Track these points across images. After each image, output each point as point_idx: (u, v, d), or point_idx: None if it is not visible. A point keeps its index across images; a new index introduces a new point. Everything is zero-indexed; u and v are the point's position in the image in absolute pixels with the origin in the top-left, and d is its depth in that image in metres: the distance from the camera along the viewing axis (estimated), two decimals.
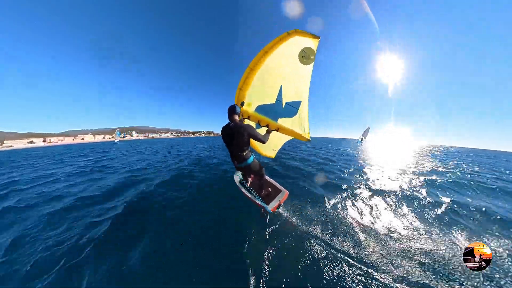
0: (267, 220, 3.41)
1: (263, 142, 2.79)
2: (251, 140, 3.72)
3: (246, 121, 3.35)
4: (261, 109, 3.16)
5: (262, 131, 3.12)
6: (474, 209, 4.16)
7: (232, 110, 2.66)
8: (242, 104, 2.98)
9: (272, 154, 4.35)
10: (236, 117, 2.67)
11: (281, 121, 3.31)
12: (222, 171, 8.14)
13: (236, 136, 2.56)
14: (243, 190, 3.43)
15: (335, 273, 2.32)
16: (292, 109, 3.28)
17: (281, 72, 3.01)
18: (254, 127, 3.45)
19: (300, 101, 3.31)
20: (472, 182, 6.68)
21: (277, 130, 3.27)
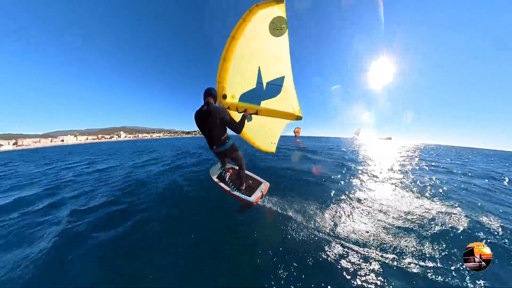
0: (248, 213, 3.32)
1: (238, 131, 2.63)
2: (249, 137, 3.60)
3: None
4: (244, 97, 3.03)
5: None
6: None
7: (207, 93, 2.60)
8: (225, 96, 2.92)
9: (272, 148, 3.93)
10: (211, 100, 2.60)
11: (265, 103, 3.06)
12: None
13: (209, 119, 2.47)
14: (222, 184, 3.28)
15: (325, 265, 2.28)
16: (275, 87, 3.06)
17: (255, 53, 2.90)
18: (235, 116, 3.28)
19: (283, 77, 3.05)
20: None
21: (256, 113, 3.01)
